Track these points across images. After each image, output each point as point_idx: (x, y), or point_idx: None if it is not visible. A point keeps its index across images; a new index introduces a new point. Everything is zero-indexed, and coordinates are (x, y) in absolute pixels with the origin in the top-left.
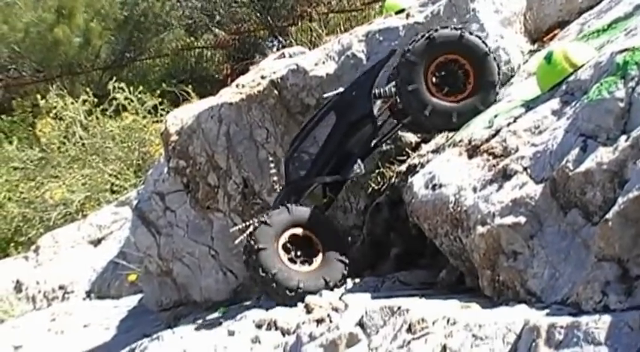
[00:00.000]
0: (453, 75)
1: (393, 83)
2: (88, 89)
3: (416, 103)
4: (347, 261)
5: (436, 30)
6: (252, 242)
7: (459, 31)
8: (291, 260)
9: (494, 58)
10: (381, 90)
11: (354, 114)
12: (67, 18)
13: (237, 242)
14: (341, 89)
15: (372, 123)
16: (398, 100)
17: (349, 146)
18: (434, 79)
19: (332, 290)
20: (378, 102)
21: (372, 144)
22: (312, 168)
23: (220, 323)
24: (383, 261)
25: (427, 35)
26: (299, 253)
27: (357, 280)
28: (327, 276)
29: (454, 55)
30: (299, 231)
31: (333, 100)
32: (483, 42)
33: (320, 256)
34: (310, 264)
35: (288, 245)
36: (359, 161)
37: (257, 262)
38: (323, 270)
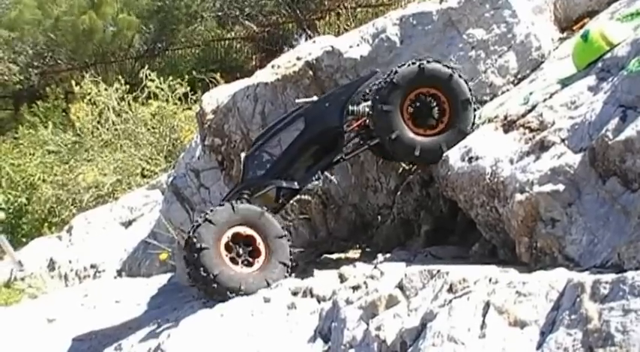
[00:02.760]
0: (430, 109)
1: (368, 103)
2: (120, 77)
3: (386, 125)
4: (289, 264)
5: (429, 61)
6: (194, 240)
7: (450, 70)
8: (232, 260)
9: (475, 109)
10: (354, 108)
11: (323, 125)
12: (99, 7)
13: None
14: (315, 98)
15: (339, 138)
16: (368, 120)
17: (312, 156)
18: (410, 108)
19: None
20: (349, 118)
21: (334, 159)
22: (272, 169)
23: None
24: (412, 238)
25: (419, 63)
26: (241, 252)
27: (388, 255)
28: (269, 278)
29: (438, 91)
30: (242, 229)
31: (306, 107)
32: (469, 88)
33: (262, 257)
34: (252, 265)
35: (231, 244)
36: (319, 173)
37: (199, 262)
38: (265, 272)
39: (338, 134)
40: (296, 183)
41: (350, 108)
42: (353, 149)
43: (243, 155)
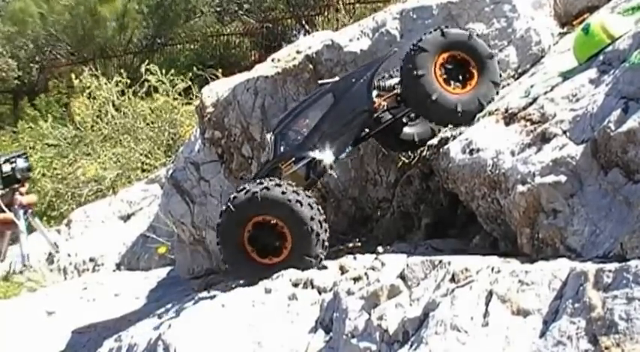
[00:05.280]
0: (458, 69)
1: (394, 81)
2: (121, 70)
3: (423, 89)
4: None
5: (447, 27)
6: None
7: (467, 31)
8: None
9: (498, 62)
10: (381, 84)
11: (352, 100)
12: (105, 2)
13: None
14: (337, 78)
15: (367, 112)
16: (400, 91)
17: (342, 130)
18: (440, 71)
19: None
20: (376, 94)
21: (363, 134)
22: (303, 144)
23: (256, 283)
24: (412, 232)
25: (440, 29)
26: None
27: (389, 247)
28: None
29: (462, 51)
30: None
31: (333, 83)
32: (488, 45)
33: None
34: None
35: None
36: (350, 147)
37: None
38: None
39: (367, 109)
40: (330, 156)
41: (376, 83)
42: (381, 123)
43: (269, 135)
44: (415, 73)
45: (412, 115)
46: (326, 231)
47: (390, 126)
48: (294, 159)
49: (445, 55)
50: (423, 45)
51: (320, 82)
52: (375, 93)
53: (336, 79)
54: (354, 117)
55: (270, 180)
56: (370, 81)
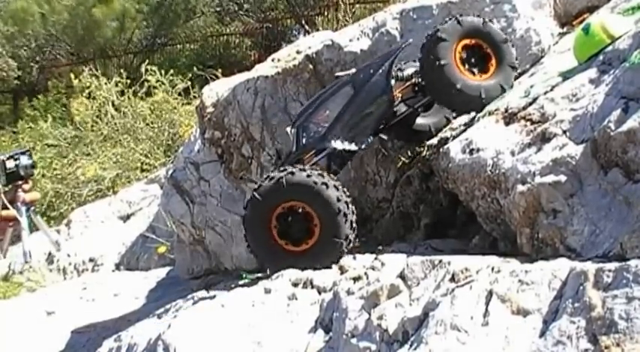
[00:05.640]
0: (476, 56)
1: (412, 70)
2: (121, 70)
3: (446, 78)
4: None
5: (461, 15)
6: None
7: (481, 18)
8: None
9: (513, 45)
10: (399, 74)
11: (371, 91)
12: (104, 3)
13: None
14: (353, 70)
15: (387, 103)
16: (422, 82)
17: (363, 120)
18: (459, 59)
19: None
20: (394, 84)
21: (384, 124)
22: (326, 135)
23: (256, 283)
24: (412, 232)
25: (455, 18)
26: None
27: (388, 247)
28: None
29: (478, 38)
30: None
31: (352, 75)
32: (501, 30)
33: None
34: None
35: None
36: (371, 137)
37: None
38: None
39: (386, 99)
40: (353, 145)
41: (394, 73)
42: (400, 114)
43: (289, 128)
44: (437, 63)
45: (426, 105)
46: (353, 212)
47: (406, 117)
48: (315, 150)
49: (463, 43)
50: (441, 34)
51: (337, 74)
52: (393, 82)
53: (354, 70)
54: (375, 108)
55: (294, 166)
56: (389, 71)
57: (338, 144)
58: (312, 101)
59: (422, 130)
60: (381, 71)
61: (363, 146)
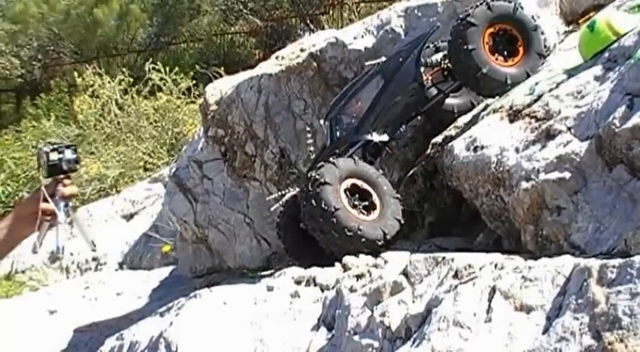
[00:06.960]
0: (505, 42)
1: (440, 55)
2: (124, 69)
3: (473, 62)
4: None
5: (492, 0)
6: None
7: (512, 4)
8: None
9: (542, 32)
10: (428, 60)
11: (402, 80)
12: (105, 2)
13: (272, 209)
14: (383, 58)
15: (417, 89)
16: (449, 65)
17: (394, 109)
18: (488, 44)
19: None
20: (423, 70)
21: (416, 111)
22: (359, 126)
23: (259, 281)
24: (416, 230)
25: (486, 3)
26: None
27: (391, 246)
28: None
29: (508, 24)
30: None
31: (381, 65)
32: (532, 16)
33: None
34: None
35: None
36: (403, 126)
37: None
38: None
39: (417, 86)
40: (385, 136)
41: (423, 59)
42: (431, 99)
43: (323, 121)
44: (466, 47)
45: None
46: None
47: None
48: (349, 143)
49: (492, 29)
50: (471, 19)
51: (367, 63)
52: (422, 68)
53: (383, 58)
54: (406, 96)
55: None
56: (418, 58)
57: (371, 136)
58: (343, 92)
59: (446, 110)
60: (410, 59)
61: (396, 135)
